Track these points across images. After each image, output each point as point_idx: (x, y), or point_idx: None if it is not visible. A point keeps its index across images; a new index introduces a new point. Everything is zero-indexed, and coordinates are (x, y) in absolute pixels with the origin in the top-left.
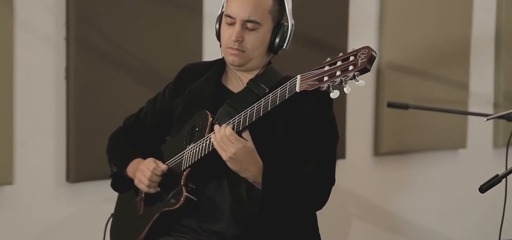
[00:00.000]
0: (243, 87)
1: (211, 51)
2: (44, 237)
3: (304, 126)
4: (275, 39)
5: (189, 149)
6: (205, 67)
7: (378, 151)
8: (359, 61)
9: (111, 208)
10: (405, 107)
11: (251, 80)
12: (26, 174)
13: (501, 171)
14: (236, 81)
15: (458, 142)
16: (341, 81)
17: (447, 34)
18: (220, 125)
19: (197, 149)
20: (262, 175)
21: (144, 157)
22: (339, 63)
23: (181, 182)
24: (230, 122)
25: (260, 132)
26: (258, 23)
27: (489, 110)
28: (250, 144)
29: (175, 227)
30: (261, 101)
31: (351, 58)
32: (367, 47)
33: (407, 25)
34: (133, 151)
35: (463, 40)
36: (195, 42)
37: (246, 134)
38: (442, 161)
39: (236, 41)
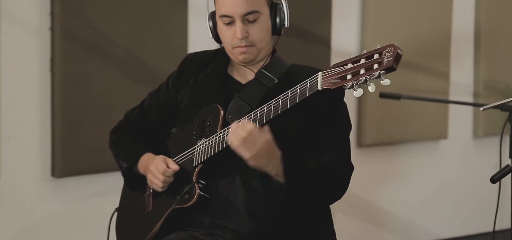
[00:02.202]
0: (250, 78)
1: (196, 41)
2: (29, 233)
3: (320, 116)
4: (275, 21)
5: (200, 144)
6: (208, 56)
7: (361, 142)
8: (385, 59)
9: (97, 203)
10: (398, 97)
11: (259, 70)
12: (10, 169)
13: (483, 161)
14: (243, 71)
15: (439, 133)
16: (366, 80)
17: (429, 24)
18: (232, 121)
19: (210, 145)
20: (282, 165)
21: (153, 150)
22: (362, 61)
23: (193, 179)
24: (248, 117)
25: (275, 124)
26: (258, 12)
27: (469, 99)
28: (270, 135)
29: (188, 223)
30: (279, 98)
31: (376, 56)
32: (393, 45)
33: (390, 14)
34: (140, 145)
35: (444, 30)
36: (180, 32)
37: (265, 127)
38: (424, 152)
39: (242, 38)
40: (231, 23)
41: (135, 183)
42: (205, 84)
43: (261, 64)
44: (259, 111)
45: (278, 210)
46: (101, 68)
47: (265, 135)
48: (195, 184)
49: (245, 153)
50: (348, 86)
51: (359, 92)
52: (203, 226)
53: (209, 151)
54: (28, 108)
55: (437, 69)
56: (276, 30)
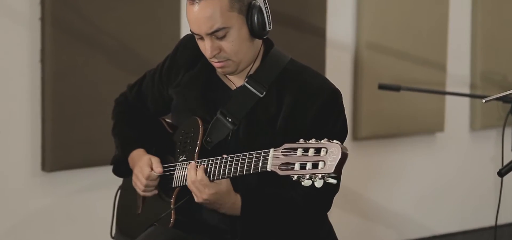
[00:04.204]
0: (240, 81)
1: (188, 31)
2: (19, 229)
3: (308, 132)
4: (253, 27)
5: (180, 163)
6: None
7: (356, 135)
8: (328, 161)
9: (88, 198)
10: (397, 89)
11: (250, 76)
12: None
13: (480, 154)
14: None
15: (436, 125)
16: (311, 177)
17: (425, 14)
18: (210, 145)
19: (186, 171)
20: (241, 211)
21: (146, 142)
22: (311, 151)
23: (171, 202)
24: (205, 162)
25: (261, 130)
26: (225, 28)
27: (466, 91)
28: (224, 186)
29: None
30: (245, 158)
31: (322, 152)
32: (338, 147)
33: (386, 4)
34: (134, 136)
35: (440, 21)
36: (173, 22)
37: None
38: (420, 145)
39: (212, 56)
40: (201, 38)
41: (123, 170)
42: (191, 88)
43: (250, 67)
44: (218, 162)
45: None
46: (92, 59)
47: (214, 188)
48: (172, 211)
49: (194, 196)
50: (295, 178)
51: (306, 182)
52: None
53: (184, 179)
54: (17, 100)
55: (433, 61)
56: (256, 35)
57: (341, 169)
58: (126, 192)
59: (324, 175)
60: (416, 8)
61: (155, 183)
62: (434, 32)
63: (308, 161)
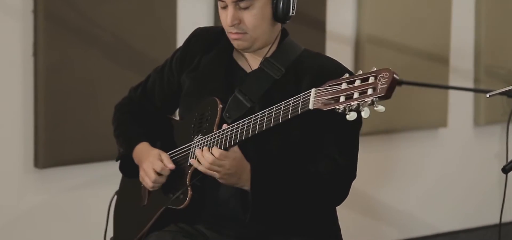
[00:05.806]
0: (256, 65)
1: (185, 25)
2: (11, 227)
3: (323, 118)
4: (277, 9)
5: (195, 142)
6: (217, 35)
7: None
8: (379, 85)
9: (82, 195)
10: (398, 83)
11: (266, 59)
12: None
13: (484, 150)
14: (249, 58)
15: (439, 121)
16: (358, 105)
17: (428, 6)
18: (230, 119)
19: (203, 146)
20: (250, 179)
21: (152, 138)
22: (357, 82)
23: (186, 180)
24: (218, 136)
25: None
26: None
27: (470, 85)
28: (238, 152)
29: (184, 218)
30: (265, 112)
31: (371, 79)
32: (389, 70)
33: None
34: (139, 132)
35: (443, 12)
36: (169, 16)
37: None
38: (423, 141)
39: (232, 25)
40: (225, 7)
41: (130, 170)
42: (207, 71)
43: (266, 50)
44: (240, 125)
45: (249, 224)
46: (87, 53)
47: (231, 155)
48: (188, 188)
49: (214, 176)
50: (340, 109)
51: (352, 115)
52: (201, 221)
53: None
54: (9, 95)
55: (436, 54)
56: (278, 18)
57: (392, 93)
58: (124, 193)
59: (375, 100)
60: (419, 0)
61: (164, 179)
62: (436, 25)
63: (355, 91)
